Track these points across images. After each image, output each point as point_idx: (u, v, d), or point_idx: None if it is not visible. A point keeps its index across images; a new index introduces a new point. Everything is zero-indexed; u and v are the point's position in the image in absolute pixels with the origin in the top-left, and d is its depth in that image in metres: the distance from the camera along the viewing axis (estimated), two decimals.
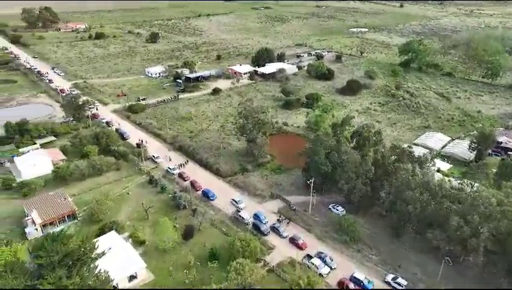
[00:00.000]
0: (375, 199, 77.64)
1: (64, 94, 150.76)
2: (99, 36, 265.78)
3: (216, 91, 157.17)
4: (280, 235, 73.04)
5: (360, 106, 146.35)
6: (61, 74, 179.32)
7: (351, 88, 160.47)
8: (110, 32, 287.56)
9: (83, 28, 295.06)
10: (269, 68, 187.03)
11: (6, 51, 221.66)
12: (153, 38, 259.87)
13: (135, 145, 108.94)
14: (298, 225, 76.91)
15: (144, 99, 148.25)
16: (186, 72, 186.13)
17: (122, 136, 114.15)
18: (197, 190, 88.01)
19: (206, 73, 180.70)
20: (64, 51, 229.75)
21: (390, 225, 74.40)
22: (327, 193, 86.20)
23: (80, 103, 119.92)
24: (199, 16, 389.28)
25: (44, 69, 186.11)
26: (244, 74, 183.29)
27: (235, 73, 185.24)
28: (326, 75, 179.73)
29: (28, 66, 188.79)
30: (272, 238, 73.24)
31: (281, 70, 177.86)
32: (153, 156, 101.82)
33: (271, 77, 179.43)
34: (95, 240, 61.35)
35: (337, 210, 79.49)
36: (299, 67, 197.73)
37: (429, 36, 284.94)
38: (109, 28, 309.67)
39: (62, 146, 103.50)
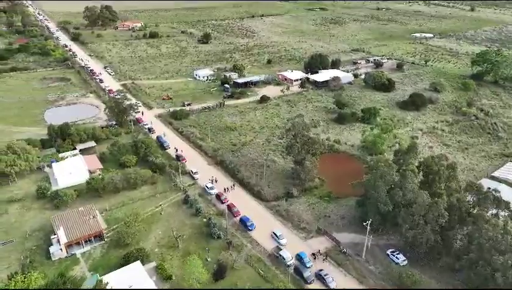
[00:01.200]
0: (447, 249, 63.56)
1: (112, 95, 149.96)
2: (153, 35, 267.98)
3: (264, 99, 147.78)
4: (327, 286, 61.53)
5: (424, 124, 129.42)
6: (111, 74, 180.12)
7: (414, 102, 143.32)
8: (164, 31, 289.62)
9: (139, 26, 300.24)
10: (322, 76, 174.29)
11: (66, 48, 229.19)
12: (205, 39, 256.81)
13: (174, 157, 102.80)
14: (348, 273, 64.99)
15: (189, 104, 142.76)
16: (234, 76, 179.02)
17: (162, 145, 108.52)
18: (235, 216, 79.03)
19: (255, 78, 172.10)
20: (118, 49, 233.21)
21: (467, 285, 60.08)
22: (385, 233, 73.34)
23: (124, 107, 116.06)
24: (253, 16, 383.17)
25: (97, 68, 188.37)
26: (295, 80, 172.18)
27: (286, 79, 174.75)
28: (386, 86, 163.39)
29: (83, 64, 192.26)
30: (316, 287, 62.24)
31: (335, 79, 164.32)
32: (191, 171, 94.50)
33: (324, 85, 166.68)
34: (117, 271, 54.60)
35: (398, 259, 66.34)
36: (355, 76, 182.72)
37: (506, 44, 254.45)
38: (164, 27, 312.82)
39: (101, 153, 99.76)
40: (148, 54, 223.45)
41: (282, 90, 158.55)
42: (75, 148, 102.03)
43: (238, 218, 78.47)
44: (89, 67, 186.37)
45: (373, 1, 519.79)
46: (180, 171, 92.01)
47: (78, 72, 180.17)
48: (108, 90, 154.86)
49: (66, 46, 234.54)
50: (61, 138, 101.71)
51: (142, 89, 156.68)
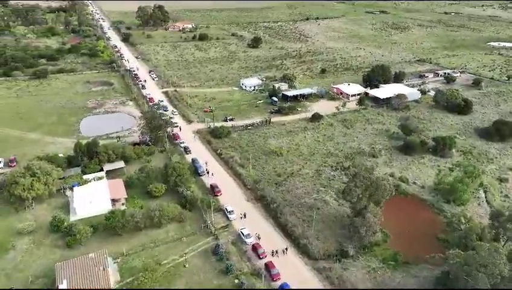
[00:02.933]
0: None
1: (152, 104, 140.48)
2: (202, 37, 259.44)
3: (316, 117, 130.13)
4: None
5: None
6: (155, 79, 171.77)
7: (500, 131, 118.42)
8: (214, 33, 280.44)
9: (189, 28, 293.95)
10: (384, 91, 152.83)
11: (115, 49, 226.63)
12: (255, 43, 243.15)
13: (208, 187, 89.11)
14: None
15: (231, 119, 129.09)
16: (283, 87, 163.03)
17: (196, 170, 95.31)
18: (274, 280, 63.19)
19: (306, 91, 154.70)
20: (166, 52, 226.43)
21: None
22: None
23: (160, 123, 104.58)
24: (307, 19, 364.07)
25: (142, 72, 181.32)
26: (352, 95, 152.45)
27: (341, 93, 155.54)
28: (461, 108, 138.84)
29: (128, 68, 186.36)
30: None
31: (400, 97, 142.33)
32: (226, 209, 79.98)
33: (386, 102, 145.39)
34: None
35: None
36: (423, 92, 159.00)
37: None
38: (214, 28, 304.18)
39: (128, 177, 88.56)
40: (195, 58, 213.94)
41: (337, 107, 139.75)
42: (101, 169, 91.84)
43: (277, 283, 62.53)
44: (134, 71, 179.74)
45: (441, 1, 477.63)
46: (212, 208, 77.96)
47: (122, 76, 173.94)
48: (149, 98, 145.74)
49: (116, 47, 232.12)
50: (88, 157, 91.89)
51: (184, 99, 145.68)
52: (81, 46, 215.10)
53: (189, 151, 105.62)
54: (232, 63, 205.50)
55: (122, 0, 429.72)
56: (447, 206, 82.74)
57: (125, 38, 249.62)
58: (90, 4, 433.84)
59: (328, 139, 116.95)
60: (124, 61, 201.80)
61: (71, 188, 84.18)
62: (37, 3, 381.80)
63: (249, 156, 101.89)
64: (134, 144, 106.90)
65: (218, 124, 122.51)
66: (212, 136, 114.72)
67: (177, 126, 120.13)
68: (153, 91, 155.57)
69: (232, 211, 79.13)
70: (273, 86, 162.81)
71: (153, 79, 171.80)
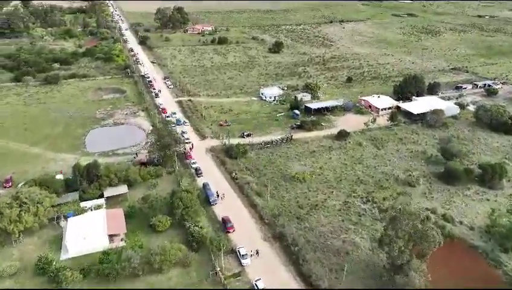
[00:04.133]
0: None
1: (164, 115, 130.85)
2: (222, 41, 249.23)
3: (342, 135, 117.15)
4: None
5: None
6: (170, 86, 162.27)
7: None
8: (234, 36, 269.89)
9: (209, 30, 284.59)
10: (418, 105, 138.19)
11: (131, 53, 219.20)
12: (277, 47, 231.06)
13: (220, 219, 77.95)
14: None
15: (248, 135, 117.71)
16: (306, 97, 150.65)
17: (207, 197, 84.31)
18: None
19: (331, 103, 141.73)
20: (184, 56, 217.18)
21: None
22: None
23: (169, 142, 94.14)
24: (331, 22, 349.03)
25: (156, 78, 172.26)
26: (383, 109, 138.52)
27: (370, 107, 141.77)
28: (509, 126, 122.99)
29: (143, 73, 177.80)
30: None
31: (437, 112, 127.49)
32: (239, 251, 68.47)
33: (420, 118, 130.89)
34: None
35: None
36: (461, 106, 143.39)
37: None
38: (234, 31, 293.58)
39: (130, 206, 78.38)
40: (213, 64, 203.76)
41: (365, 123, 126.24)
42: (102, 195, 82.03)
43: None
44: (148, 78, 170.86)
45: (473, 1, 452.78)
46: (223, 250, 66.68)
47: (135, 82, 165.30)
48: (162, 108, 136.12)
49: (132, 50, 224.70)
50: (88, 180, 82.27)
51: (198, 110, 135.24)
52: (97, 50, 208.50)
53: (201, 173, 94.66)
54: (251, 70, 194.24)
55: (144, 0, 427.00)
56: (506, 257, 68.73)
57: (142, 42, 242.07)
58: (111, 5, 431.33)
59: (357, 162, 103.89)
60: (139, 65, 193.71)
61: (66, 217, 74.59)
62: (59, 3, 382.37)
63: (267, 182, 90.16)
64: (141, 163, 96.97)
65: (234, 140, 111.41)
66: (227, 156, 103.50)
67: (189, 142, 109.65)
68: (167, 100, 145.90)
69: (246, 255, 67.48)
70: (295, 96, 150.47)
71: (168, 87, 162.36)
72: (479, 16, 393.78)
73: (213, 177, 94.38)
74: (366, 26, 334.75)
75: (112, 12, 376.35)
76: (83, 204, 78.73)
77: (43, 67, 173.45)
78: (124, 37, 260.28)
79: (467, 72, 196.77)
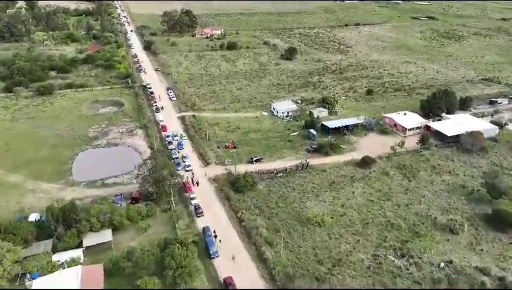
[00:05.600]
0: None
1: (164, 134, 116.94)
2: (231, 46, 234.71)
3: (366, 162, 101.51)
4: None
5: None
6: (173, 98, 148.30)
7: None
8: (244, 41, 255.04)
9: (218, 34, 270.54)
10: (451, 125, 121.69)
11: (135, 59, 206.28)
12: (289, 54, 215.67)
13: (221, 281, 63.28)
14: None
15: (258, 160, 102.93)
16: (323, 113, 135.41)
17: (207, 248, 69.68)
18: None
19: (351, 122, 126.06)
20: (190, 63, 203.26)
21: None
22: None
23: (162, 175, 79.92)
24: (346, 25, 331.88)
25: (159, 89, 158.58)
26: (410, 129, 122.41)
27: (395, 126, 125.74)
28: None
29: (145, 83, 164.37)
30: None
31: (475, 136, 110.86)
32: None
33: (454, 141, 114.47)
34: None
35: None
36: (499, 125, 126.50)
37: None
38: (245, 35, 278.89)
39: (112, 260, 64.17)
40: (221, 72, 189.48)
41: (392, 147, 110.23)
42: (80, 244, 68.13)
43: None
44: (150, 88, 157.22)
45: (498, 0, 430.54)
46: None
47: (136, 94, 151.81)
48: (162, 126, 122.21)
49: (136, 56, 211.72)
50: (64, 225, 68.46)
51: (203, 128, 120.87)
52: (98, 56, 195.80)
53: (201, 212, 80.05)
54: (262, 79, 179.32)
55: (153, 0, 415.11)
56: None
57: (147, 46, 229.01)
58: (118, 6, 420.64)
59: (385, 198, 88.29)
60: (142, 73, 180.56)
61: (32, 277, 60.81)
62: (66, 4, 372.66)
63: (279, 227, 75.36)
64: (132, 198, 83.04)
65: (242, 167, 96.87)
66: (233, 188, 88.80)
67: (190, 170, 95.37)
68: (168, 116, 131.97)
69: None
70: (310, 112, 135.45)
71: (171, 99, 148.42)
72: (504, 19, 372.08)
73: (215, 217, 79.81)
74: (383, 29, 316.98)
75: (119, 14, 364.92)
76: (55, 257, 64.78)
77: (39, 76, 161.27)
78: (129, 42, 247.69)
79: (499, 83, 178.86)
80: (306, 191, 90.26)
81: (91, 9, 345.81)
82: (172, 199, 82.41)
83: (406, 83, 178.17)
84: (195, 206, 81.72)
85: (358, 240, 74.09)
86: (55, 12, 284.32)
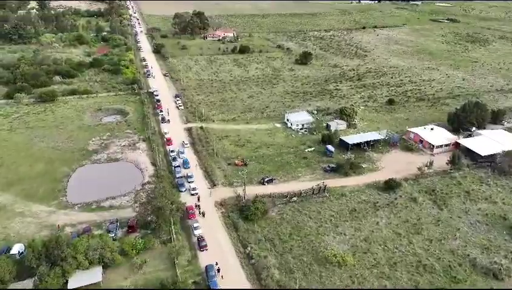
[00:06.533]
0: None
1: (168, 148, 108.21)
2: (243, 50, 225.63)
3: (390, 185, 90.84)
4: None
5: None
6: (180, 107, 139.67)
7: None
8: (257, 44, 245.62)
9: (230, 37, 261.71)
10: (485, 143, 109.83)
11: (143, 63, 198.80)
12: (304, 59, 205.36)
13: None
14: None
15: (270, 180, 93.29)
16: (341, 125, 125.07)
17: None
18: None
19: (372, 137, 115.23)
20: (200, 68, 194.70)
21: None
22: None
23: (163, 205, 70.74)
24: (363, 28, 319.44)
25: (166, 97, 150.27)
26: (438, 147, 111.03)
27: (421, 142, 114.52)
28: None
29: (152, 89, 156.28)
30: None
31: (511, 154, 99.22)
32: None
33: (488, 161, 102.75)
34: None
35: None
36: None
37: None
38: (258, 38, 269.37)
39: None
40: (232, 77, 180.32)
41: (420, 168, 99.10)
42: (66, 282, 59.50)
43: None
44: (157, 95, 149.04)
45: None
46: None
47: (141, 102, 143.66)
48: (167, 139, 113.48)
49: (144, 60, 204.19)
50: (49, 262, 59.99)
51: (210, 142, 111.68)
52: (105, 60, 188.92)
53: (205, 246, 70.62)
54: (275, 86, 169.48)
55: (166, 0, 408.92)
56: None
57: (157, 50, 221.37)
58: (131, 7, 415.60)
59: (414, 230, 77.60)
60: (150, 79, 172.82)
61: None
62: (78, 5, 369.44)
63: (293, 267, 65.52)
64: (128, 226, 74.31)
65: (252, 188, 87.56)
66: (242, 216, 79.28)
67: (195, 194, 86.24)
68: (174, 127, 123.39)
69: None
70: (327, 125, 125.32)
71: (178, 107, 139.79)
72: None
73: (221, 252, 70.37)
74: (402, 33, 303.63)
75: (131, 15, 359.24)
76: None
77: (42, 81, 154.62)
78: (138, 44, 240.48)
79: None
80: (324, 220, 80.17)
81: (102, 10, 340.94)
82: (173, 228, 73.33)
83: (430, 91, 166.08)
84: (198, 238, 72.39)
85: (386, 286, 63.75)
86: (65, 13, 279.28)
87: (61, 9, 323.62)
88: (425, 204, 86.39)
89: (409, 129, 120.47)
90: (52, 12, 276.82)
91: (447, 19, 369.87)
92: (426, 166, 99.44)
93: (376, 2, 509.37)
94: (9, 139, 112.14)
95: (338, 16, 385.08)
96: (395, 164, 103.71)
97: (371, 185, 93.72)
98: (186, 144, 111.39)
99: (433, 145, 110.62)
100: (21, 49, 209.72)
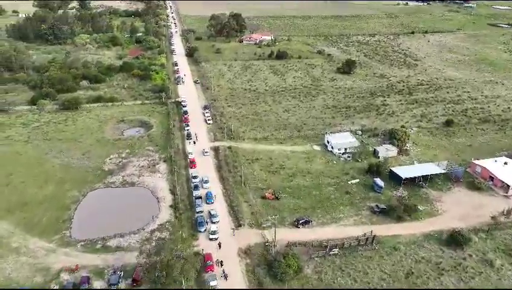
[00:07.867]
0: None
1: (191, 171, 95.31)
2: (280, 56, 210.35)
3: (455, 238, 72.54)
4: None
5: None
6: (209, 121, 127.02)
7: None
8: (296, 49, 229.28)
9: (267, 40, 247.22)
10: None
11: (175, 67, 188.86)
12: (347, 67, 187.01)
13: None
14: None
15: (305, 222, 77.93)
16: (391, 152, 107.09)
17: None
18: None
19: (429, 170, 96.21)
20: (233, 75, 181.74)
21: None
22: None
23: (170, 263, 57.43)
24: (412, 32, 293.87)
25: (194, 107, 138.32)
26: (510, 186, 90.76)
27: (492, 178, 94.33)
28: None
29: (179, 99, 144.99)
30: None
31: None
32: None
33: None
34: None
35: None
36: None
37: None
38: (297, 42, 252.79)
39: None
40: (267, 87, 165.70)
41: (494, 217, 79.82)
42: None
43: None
44: (185, 106, 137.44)
45: None
46: None
47: (168, 113, 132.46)
48: (190, 160, 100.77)
49: (176, 64, 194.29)
50: None
51: (238, 166, 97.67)
52: (135, 63, 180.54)
53: None
54: (314, 98, 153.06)
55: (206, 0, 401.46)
56: None
57: (189, 54, 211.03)
58: (169, 7, 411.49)
59: None
60: (180, 85, 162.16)
61: None
62: (117, 4, 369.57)
63: None
64: (133, 279, 61.78)
65: (284, 232, 72.67)
66: (270, 273, 64.59)
67: (216, 239, 72.41)
68: (200, 145, 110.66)
69: None
70: (375, 150, 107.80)
71: (206, 121, 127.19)
72: None
73: None
74: (457, 39, 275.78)
75: (168, 15, 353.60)
76: None
77: (69, 86, 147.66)
78: (172, 47, 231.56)
79: None
80: (372, 284, 63.82)
81: (140, 10, 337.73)
82: (184, 285, 59.85)
83: (495, 111, 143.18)
84: None
85: None
86: (101, 13, 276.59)
87: (100, 9, 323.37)
88: (506, 270, 67.64)
89: (474, 161, 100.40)
90: (89, 12, 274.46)
91: (508, 24, 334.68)
92: (503, 214, 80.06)
93: (425, 3, 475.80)
94: (24, 152, 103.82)
95: (383, 19, 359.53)
96: (459, 207, 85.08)
97: (430, 235, 76.04)
98: (207, 152, 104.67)
99: (509, 186, 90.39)
100: (55, 50, 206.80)
